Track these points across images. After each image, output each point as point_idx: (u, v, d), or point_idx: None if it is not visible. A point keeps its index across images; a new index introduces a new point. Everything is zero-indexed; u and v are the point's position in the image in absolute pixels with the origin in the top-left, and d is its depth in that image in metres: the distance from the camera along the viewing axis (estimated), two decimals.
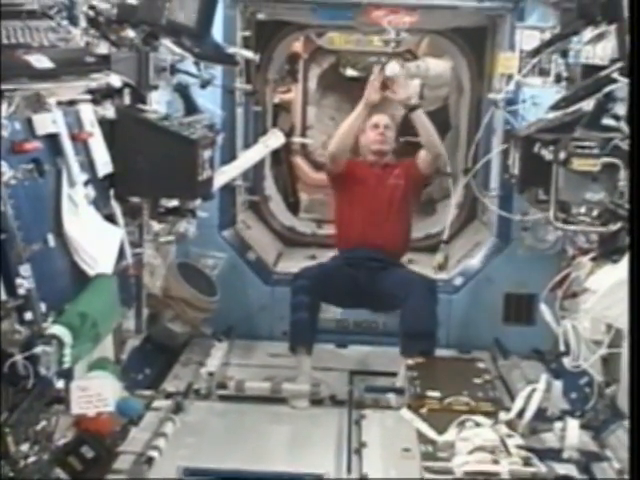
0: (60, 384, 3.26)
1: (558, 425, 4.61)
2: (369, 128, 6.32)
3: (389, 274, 5.93)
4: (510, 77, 5.89)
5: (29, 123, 3.25)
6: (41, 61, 3.01)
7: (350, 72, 11.05)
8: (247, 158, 5.98)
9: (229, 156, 6.20)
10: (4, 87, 2.87)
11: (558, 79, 5.40)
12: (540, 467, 4.08)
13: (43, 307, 3.12)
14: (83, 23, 3.85)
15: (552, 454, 4.49)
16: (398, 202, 6.18)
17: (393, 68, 5.92)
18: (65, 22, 3.48)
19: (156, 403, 5.17)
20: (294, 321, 5.70)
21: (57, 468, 3.67)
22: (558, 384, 4.96)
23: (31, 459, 3.26)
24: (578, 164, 4.19)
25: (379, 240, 6.05)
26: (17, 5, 3.18)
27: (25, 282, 2.99)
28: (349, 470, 4.53)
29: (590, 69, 4.62)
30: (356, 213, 6.17)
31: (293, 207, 9.06)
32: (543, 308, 4.99)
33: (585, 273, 4.53)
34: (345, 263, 6.09)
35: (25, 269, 3.01)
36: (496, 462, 3.97)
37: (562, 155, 4.25)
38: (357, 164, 6.43)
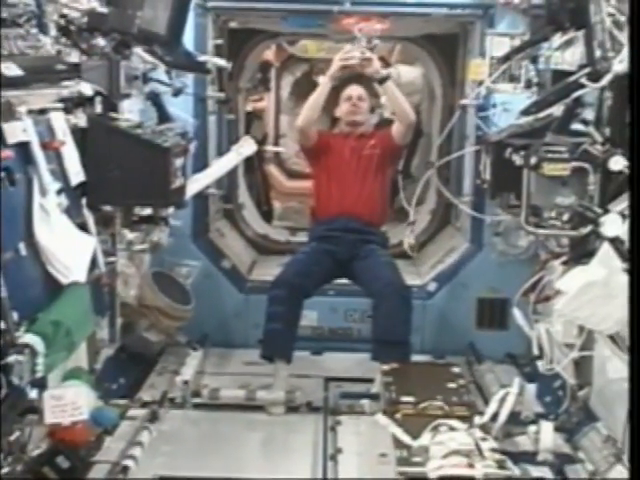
0: (34, 394, 3.24)
1: (532, 428, 4.65)
2: (343, 100, 6.34)
3: (368, 255, 5.90)
4: (481, 83, 5.93)
5: None
6: (10, 69, 3.00)
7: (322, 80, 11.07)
8: (220, 166, 5.98)
9: (202, 164, 6.19)
10: None
11: (528, 85, 5.46)
12: (514, 470, 4.10)
13: (15, 316, 3.11)
14: (53, 31, 3.85)
15: (526, 457, 4.52)
16: (374, 172, 6.17)
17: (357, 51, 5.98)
18: (35, 30, 3.48)
19: (131, 412, 5.14)
20: (268, 331, 5.63)
21: (32, 479, 3.63)
22: (531, 387, 4.99)
23: (5, 470, 3.24)
24: (549, 169, 4.24)
25: (357, 209, 6.07)
26: None
27: None
28: (325, 476, 4.53)
29: (559, 75, 4.66)
30: (333, 184, 6.19)
31: (267, 215, 9.05)
32: (516, 312, 5.03)
33: (557, 277, 4.57)
34: (322, 241, 6.05)
35: None
36: (471, 466, 3.98)
37: (533, 160, 4.30)
38: (331, 136, 6.47)
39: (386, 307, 5.49)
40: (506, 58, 5.52)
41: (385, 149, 6.20)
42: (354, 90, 6.31)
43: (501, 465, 4.03)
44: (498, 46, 5.82)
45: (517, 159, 4.55)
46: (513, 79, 5.69)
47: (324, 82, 6.09)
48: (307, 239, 6.46)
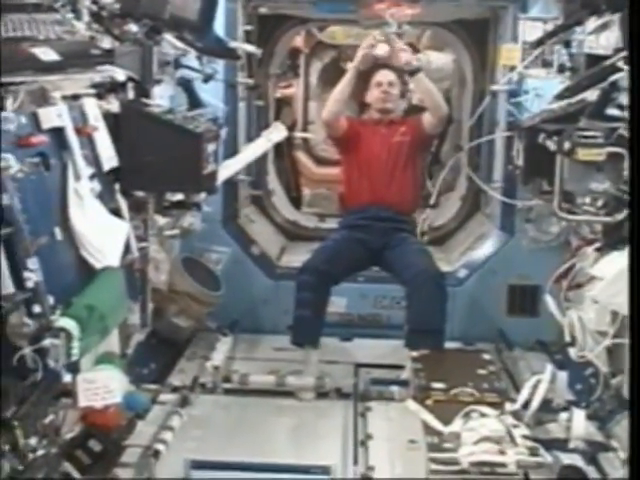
0: (67, 378, 3.26)
1: (563, 416, 4.61)
2: (373, 86, 6.21)
3: (400, 243, 5.86)
4: (513, 69, 5.89)
5: (34, 117, 3.26)
6: (47, 54, 3.01)
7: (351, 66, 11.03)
8: (250, 152, 5.98)
9: (232, 150, 6.20)
10: (10, 80, 2.86)
11: (561, 70, 5.39)
12: (546, 457, 4.09)
13: (51, 300, 3.13)
14: (86, 17, 3.86)
15: (558, 444, 4.49)
16: (404, 159, 6.08)
17: (382, 47, 5.91)
18: (70, 15, 3.49)
19: (162, 397, 5.16)
20: (297, 317, 5.67)
21: (65, 462, 3.66)
22: (563, 375, 4.95)
23: (39, 452, 3.25)
24: (583, 154, 4.19)
25: (388, 198, 6.00)
26: None
27: (33, 275, 3.01)
28: (355, 462, 4.53)
29: (594, 59, 4.61)
30: (363, 172, 6.10)
31: (296, 201, 9.05)
32: (548, 299, 4.99)
33: (590, 264, 4.53)
34: (353, 229, 6.01)
35: (33, 262, 3.02)
36: (502, 452, 3.98)
37: (567, 145, 4.25)
38: (360, 123, 6.39)
39: (420, 295, 5.46)
40: (539, 43, 5.47)
41: (415, 137, 6.12)
42: (385, 76, 6.18)
43: (533, 452, 4.03)
44: (531, 31, 5.76)
45: (550, 144, 4.50)
46: (546, 64, 5.61)
47: (349, 73, 6.03)
48: (337, 226, 6.44)
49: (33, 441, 3.22)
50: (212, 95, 5.80)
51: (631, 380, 2.92)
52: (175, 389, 5.39)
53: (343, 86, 6.03)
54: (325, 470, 4.28)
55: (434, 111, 5.98)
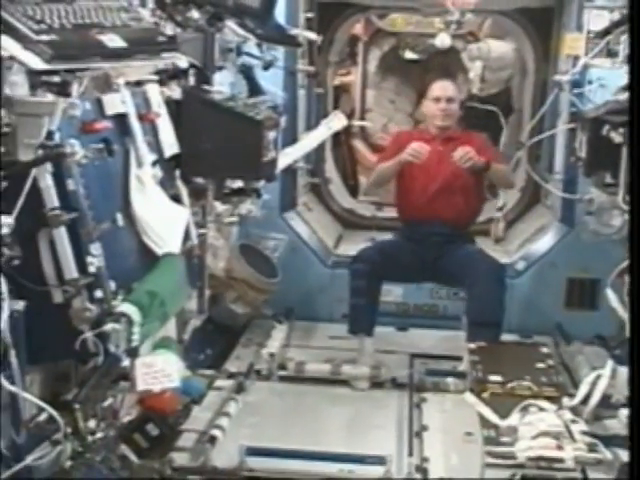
0: (126, 362, 3.29)
1: (623, 412, 4.53)
2: (430, 99, 5.90)
3: (455, 249, 5.74)
4: (577, 58, 5.79)
5: (99, 103, 3.29)
6: (114, 40, 3.03)
7: (409, 55, 10.97)
8: (310, 140, 5.98)
9: (291, 138, 6.19)
10: (78, 67, 2.89)
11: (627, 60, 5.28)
12: (605, 453, 4.03)
13: (113, 285, 3.16)
14: (150, 4, 3.88)
15: (617, 441, 4.41)
16: (463, 177, 5.77)
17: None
18: (136, 2, 3.51)
19: (218, 383, 5.22)
20: (353, 305, 5.68)
21: (123, 445, 3.70)
22: (624, 370, 4.87)
23: (98, 435, 3.29)
24: None
25: (444, 215, 5.77)
26: None
27: (95, 260, 3.03)
28: (410, 453, 4.51)
29: None
30: (418, 188, 5.85)
31: (352, 190, 9.02)
32: (609, 294, 4.91)
33: None
34: (408, 240, 5.91)
35: (95, 247, 3.05)
36: (560, 448, 3.93)
37: None
38: (414, 137, 5.99)
39: (480, 288, 5.43)
40: (606, 32, 5.36)
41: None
42: (444, 90, 5.86)
43: (592, 448, 3.98)
44: (596, 20, 5.65)
45: (616, 136, 4.41)
46: (611, 54, 5.51)
47: (394, 164, 5.76)
48: (393, 215, 6.43)
49: (92, 424, 3.26)
50: (272, 82, 5.79)
51: (631, 380, 2.86)
52: (231, 375, 5.42)
53: (386, 169, 5.86)
54: (381, 460, 4.25)
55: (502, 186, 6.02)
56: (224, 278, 5.65)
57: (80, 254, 3.01)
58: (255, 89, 5.25)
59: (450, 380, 5.37)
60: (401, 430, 4.85)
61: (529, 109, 7.59)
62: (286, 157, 5.38)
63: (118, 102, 3.36)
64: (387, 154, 6.06)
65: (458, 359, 5.51)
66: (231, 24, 4.70)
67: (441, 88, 5.88)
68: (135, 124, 3.50)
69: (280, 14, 5.73)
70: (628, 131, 3.56)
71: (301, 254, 6.69)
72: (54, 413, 2.96)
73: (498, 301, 5.47)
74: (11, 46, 2.63)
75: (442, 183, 5.81)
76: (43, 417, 2.97)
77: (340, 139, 8.77)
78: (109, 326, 3.03)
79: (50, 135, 2.87)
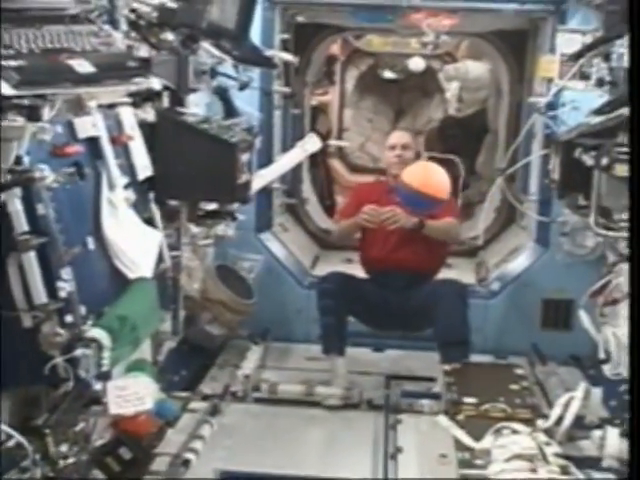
0: (98, 386, 3.27)
1: (597, 433, 4.55)
2: (387, 148, 6.03)
3: (419, 290, 5.74)
4: (550, 81, 5.83)
5: (70, 126, 3.27)
6: (83, 66, 3.02)
7: (388, 74, 11.04)
8: (285, 162, 5.99)
9: (267, 158, 6.21)
10: (46, 92, 2.88)
11: (600, 83, 5.33)
12: (578, 475, 4.04)
13: (83, 310, 3.12)
14: (124, 26, 3.87)
15: (590, 462, 4.43)
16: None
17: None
18: (107, 26, 3.50)
19: (192, 405, 5.18)
20: (323, 325, 5.72)
21: (95, 469, 3.67)
22: (597, 391, 4.90)
23: (70, 460, 3.26)
24: (621, 170, 4.13)
25: (407, 264, 5.79)
26: (60, 10, 3.20)
27: (66, 285, 3.00)
28: (386, 475, 4.50)
29: None
30: (379, 240, 5.86)
31: (329, 209, 9.04)
32: (582, 314, 4.94)
33: (626, 279, 4.47)
34: (372, 282, 5.94)
35: (66, 272, 3.01)
36: (534, 470, 3.94)
37: (604, 161, 4.19)
38: (373, 191, 6.13)
39: (443, 310, 5.47)
40: (578, 55, 5.40)
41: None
42: (398, 138, 6.03)
43: (565, 470, 3.99)
44: (569, 43, 5.69)
45: (587, 159, 4.45)
46: (583, 77, 5.55)
47: (353, 224, 5.85)
48: None
49: (64, 448, 3.23)
50: (248, 103, 5.81)
51: (631, 380, 2.87)
52: (206, 397, 5.39)
53: (346, 231, 6.08)
54: None
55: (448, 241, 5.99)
56: (199, 299, 5.62)
57: (50, 278, 2.98)
58: (231, 110, 5.25)
59: (425, 402, 5.35)
60: (376, 452, 4.83)
61: (504, 130, 7.65)
62: (261, 179, 5.39)
63: (90, 125, 3.33)
64: (348, 210, 6.16)
65: (434, 380, 5.51)
66: (206, 45, 4.71)
67: (396, 137, 6.10)
68: (107, 147, 3.47)
69: (256, 35, 5.76)
70: (629, 130, 3.56)
71: (277, 275, 6.69)
72: (22, 439, 2.93)
73: (462, 319, 5.50)
74: None
75: (403, 234, 5.75)
76: (12, 443, 2.95)
77: (317, 159, 8.80)
78: (79, 351, 3.00)
79: (19, 160, 2.85)
